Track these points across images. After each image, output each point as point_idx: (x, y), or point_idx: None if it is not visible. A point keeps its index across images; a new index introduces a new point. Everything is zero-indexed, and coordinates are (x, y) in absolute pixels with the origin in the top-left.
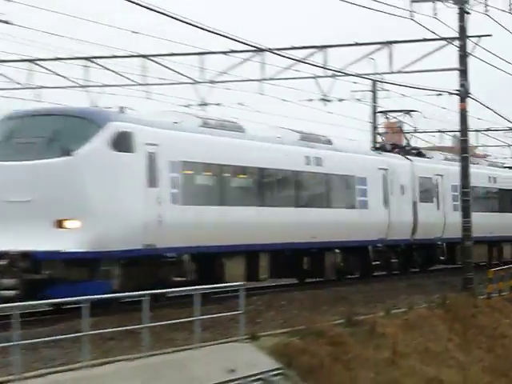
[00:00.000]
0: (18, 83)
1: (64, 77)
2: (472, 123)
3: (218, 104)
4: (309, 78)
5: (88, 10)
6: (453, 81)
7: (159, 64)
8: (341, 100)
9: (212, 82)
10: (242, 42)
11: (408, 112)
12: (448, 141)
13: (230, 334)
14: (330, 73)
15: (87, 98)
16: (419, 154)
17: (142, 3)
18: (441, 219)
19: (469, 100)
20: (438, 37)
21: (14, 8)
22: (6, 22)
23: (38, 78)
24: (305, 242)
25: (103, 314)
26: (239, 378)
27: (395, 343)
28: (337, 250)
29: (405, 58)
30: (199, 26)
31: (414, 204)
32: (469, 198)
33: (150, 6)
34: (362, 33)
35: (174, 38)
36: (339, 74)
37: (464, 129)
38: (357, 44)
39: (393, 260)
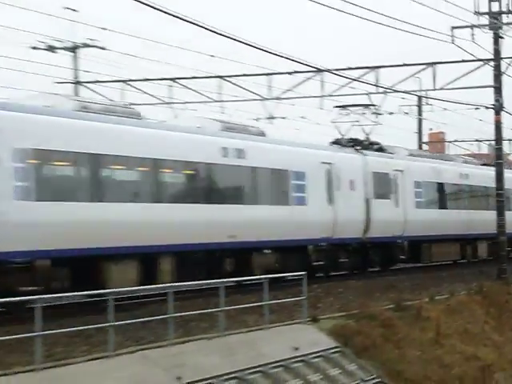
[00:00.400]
0: (112, 100)
1: (152, 95)
2: (506, 133)
3: (283, 118)
4: (362, 94)
5: (172, 37)
6: (489, 96)
7: (233, 83)
8: (391, 113)
9: (278, 98)
10: (304, 64)
11: (367, 106)
12: (485, 148)
13: (294, 316)
14: (381, 90)
15: (172, 113)
16: (380, 149)
17: (217, 30)
18: (400, 217)
19: (503, 113)
20: (475, 58)
21: (109, 35)
22: (103, 48)
23: (130, 96)
24: (220, 242)
25: (184, 299)
26: (302, 355)
27: (438, 325)
28: (267, 251)
29: (447, 77)
30: (268, 50)
31: (367, 201)
32: (503, 199)
33: (227, 34)
34: (409, 54)
35: (245, 61)
36: (389, 90)
37: (498, 138)
38: (405, 65)
39: (342, 260)
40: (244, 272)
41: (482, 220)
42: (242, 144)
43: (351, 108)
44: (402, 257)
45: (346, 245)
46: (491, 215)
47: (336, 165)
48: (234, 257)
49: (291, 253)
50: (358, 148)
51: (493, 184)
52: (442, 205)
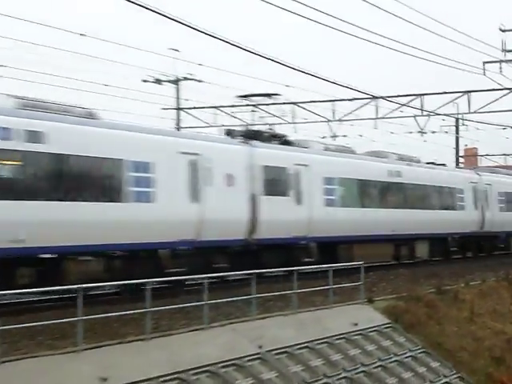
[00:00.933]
0: (207, 123)
1: (239, 118)
2: None
3: (344, 136)
4: (410, 116)
5: (251, 70)
6: None
7: (304, 108)
8: (433, 132)
9: (340, 120)
10: (362, 92)
11: (269, 95)
12: (510, 161)
13: (354, 298)
14: (425, 113)
15: None
16: (285, 142)
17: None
18: (303, 216)
19: None
20: (503, 87)
21: (204, 70)
22: (199, 81)
23: (220, 119)
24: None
25: (263, 283)
26: (360, 330)
27: (472, 306)
28: (86, 258)
29: (479, 102)
30: (331, 81)
31: (253, 197)
32: None
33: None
34: (448, 80)
35: (314, 89)
36: (432, 114)
37: None
38: (444, 92)
39: (218, 265)
40: (54, 283)
41: (420, 219)
42: (40, 125)
43: (253, 98)
44: (309, 259)
45: (223, 248)
46: (431, 214)
47: (205, 156)
48: (33, 266)
49: (132, 259)
50: (249, 140)
51: (433, 183)
52: (365, 203)
